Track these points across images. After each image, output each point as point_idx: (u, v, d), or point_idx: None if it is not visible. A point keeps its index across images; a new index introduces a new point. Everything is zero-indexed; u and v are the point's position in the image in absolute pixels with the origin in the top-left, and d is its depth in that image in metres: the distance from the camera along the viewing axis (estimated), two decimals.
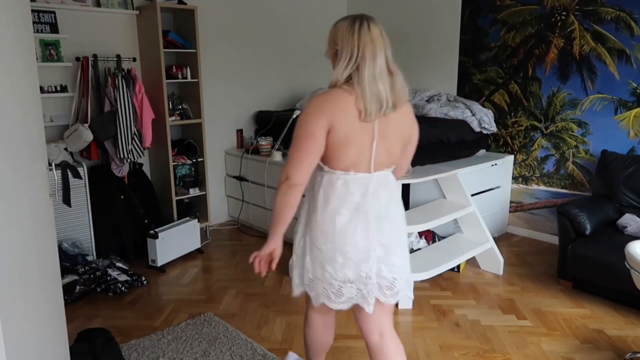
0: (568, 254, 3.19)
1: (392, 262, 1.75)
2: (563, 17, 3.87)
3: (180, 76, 4.11)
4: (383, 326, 1.84)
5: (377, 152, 1.67)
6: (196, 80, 4.12)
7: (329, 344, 2.08)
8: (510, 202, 4.38)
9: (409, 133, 1.80)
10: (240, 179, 4.57)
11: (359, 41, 1.61)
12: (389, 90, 1.64)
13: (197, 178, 4.35)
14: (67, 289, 3.08)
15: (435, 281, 3.44)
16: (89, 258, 3.54)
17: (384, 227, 1.73)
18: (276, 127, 4.36)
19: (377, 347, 1.85)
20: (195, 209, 4.29)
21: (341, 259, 1.70)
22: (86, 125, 3.60)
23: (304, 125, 1.63)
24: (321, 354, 2.09)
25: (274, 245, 1.71)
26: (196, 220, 3.95)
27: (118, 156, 3.71)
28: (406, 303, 3.06)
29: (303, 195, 1.74)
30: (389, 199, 1.75)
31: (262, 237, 4.12)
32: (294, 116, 4.03)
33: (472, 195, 3.73)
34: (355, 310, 1.85)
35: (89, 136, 3.57)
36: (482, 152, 4.33)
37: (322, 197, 1.71)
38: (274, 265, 1.75)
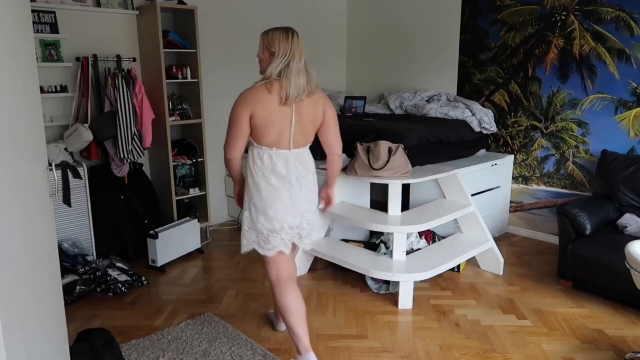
0: (568, 254, 3.19)
1: (308, 217, 2.33)
2: (563, 17, 3.87)
3: (180, 76, 4.11)
4: (291, 268, 2.43)
5: (294, 134, 2.20)
6: (196, 80, 4.12)
7: (300, 307, 2.33)
8: (510, 202, 4.38)
9: (320, 117, 2.28)
10: None
11: (292, 45, 2.15)
12: (306, 82, 2.17)
13: (197, 178, 4.35)
14: (67, 289, 3.08)
15: (435, 281, 3.44)
16: (89, 258, 3.54)
17: (303, 189, 2.27)
18: None
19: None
20: (195, 209, 4.29)
21: (271, 212, 2.24)
22: (86, 125, 3.60)
23: (232, 114, 2.21)
24: (297, 319, 2.31)
25: (237, 187, 2.47)
26: (196, 220, 3.95)
27: (118, 156, 3.71)
28: (406, 303, 3.07)
29: None
30: (305, 168, 2.28)
31: None
32: None
33: (472, 195, 3.73)
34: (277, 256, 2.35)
35: (89, 136, 3.57)
36: (482, 152, 4.33)
37: (255, 166, 2.24)
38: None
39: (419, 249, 3.40)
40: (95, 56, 3.73)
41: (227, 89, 4.66)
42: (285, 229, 2.27)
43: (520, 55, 4.17)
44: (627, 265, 2.22)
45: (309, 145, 2.30)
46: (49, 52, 3.56)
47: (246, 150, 2.27)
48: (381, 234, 3.46)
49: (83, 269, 3.26)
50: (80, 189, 3.52)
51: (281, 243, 2.29)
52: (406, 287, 3.05)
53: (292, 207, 2.25)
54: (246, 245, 2.36)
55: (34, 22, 3.42)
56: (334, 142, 2.35)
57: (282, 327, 2.76)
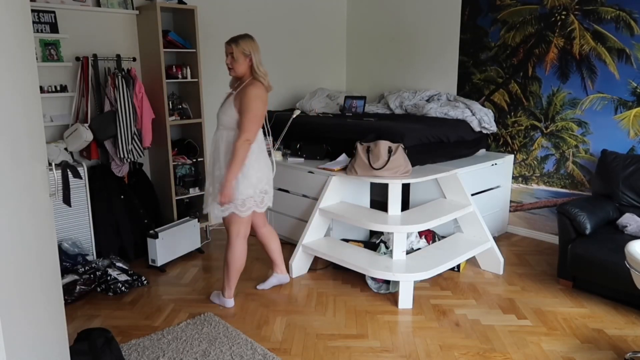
0: (568, 254, 3.19)
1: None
2: (563, 17, 3.87)
3: (180, 76, 4.11)
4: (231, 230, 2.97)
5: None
6: (196, 80, 4.12)
7: (243, 265, 3.10)
8: (510, 201, 4.38)
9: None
10: None
11: (255, 46, 2.82)
12: None
13: (197, 178, 4.35)
14: (67, 289, 3.08)
15: (435, 281, 3.44)
16: (89, 258, 3.54)
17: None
18: (276, 127, 4.36)
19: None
20: (196, 208, 4.29)
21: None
22: (86, 125, 3.60)
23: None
24: (239, 274, 3.10)
25: None
26: (196, 220, 3.95)
27: (118, 156, 3.71)
28: (406, 303, 3.07)
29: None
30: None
31: None
32: (294, 116, 4.03)
33: (472, 195, 3.73)
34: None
35: (89, 136, 3.57)
36: (482, 151, 4.33)
37: None
38: None
39: (419, 249, 3.40)
40: (95, 56, 3.73)
41: (227, 89, 4.65)
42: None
43: (520, 55, 4.17)
44: (627, 265, 2.22)
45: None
46: (49, 52, 3.56)
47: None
48: (381, 233, 3.46)
49: (83, 269, 3.26)
50: (80, 189, 3.52)
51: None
52: (406, 287, 3.05)
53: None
54: None
55: (34, 22, 3.42)
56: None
57: (229, 303, 3.12)
